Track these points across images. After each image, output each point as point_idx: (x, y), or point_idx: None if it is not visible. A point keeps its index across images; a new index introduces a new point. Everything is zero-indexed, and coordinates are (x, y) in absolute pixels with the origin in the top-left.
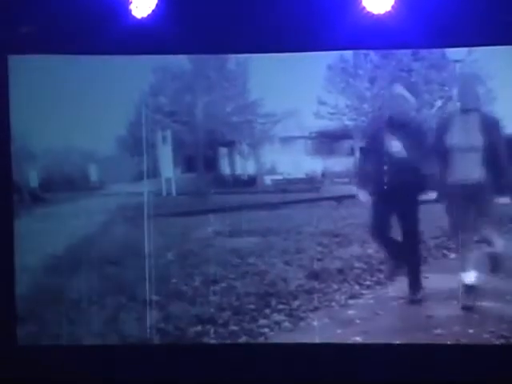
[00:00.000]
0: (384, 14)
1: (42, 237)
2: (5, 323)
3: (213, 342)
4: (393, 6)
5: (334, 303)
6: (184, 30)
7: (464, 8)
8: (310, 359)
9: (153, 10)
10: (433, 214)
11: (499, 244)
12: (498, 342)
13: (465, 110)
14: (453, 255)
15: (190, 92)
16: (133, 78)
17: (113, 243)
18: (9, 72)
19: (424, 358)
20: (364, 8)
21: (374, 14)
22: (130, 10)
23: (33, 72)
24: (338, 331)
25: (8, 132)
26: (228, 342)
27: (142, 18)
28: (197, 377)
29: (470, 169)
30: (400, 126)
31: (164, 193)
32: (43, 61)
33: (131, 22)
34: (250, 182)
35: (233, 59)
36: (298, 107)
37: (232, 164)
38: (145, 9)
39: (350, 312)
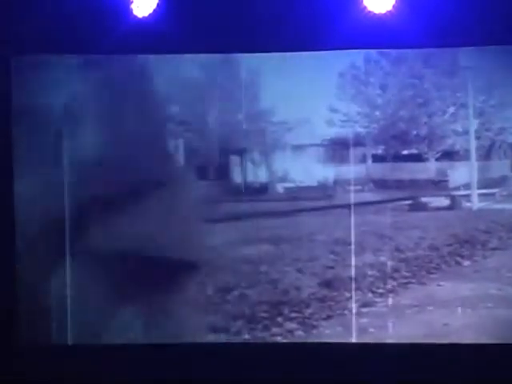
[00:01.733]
0: (385, 14)
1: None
2: (5, 323)
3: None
4: (394, 6)
5: (346, 311)
6: (185, 29)
7: (463, 7)
8: (310, 359)
9: (154, 10)
10: (445, 221)
11: None
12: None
13: None
14: (466, 262)
15: (201, 100)
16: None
17: None
18: (11, 73)
19: (424, 358)
20: (365, 7)
21: (375, 14)
22: (131, 10)
23: (35, 72)
24: (351, 339)
25: (10, 134)
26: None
27: (144, 17)
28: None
29: None
30: None
31: None
32: (45, 61)
33: (132, 21)
34: (262, 189)
35: (244, 67)
36: (309, 115)
37: (244, 172)
38: (146, 8)
39: (363, 320)
